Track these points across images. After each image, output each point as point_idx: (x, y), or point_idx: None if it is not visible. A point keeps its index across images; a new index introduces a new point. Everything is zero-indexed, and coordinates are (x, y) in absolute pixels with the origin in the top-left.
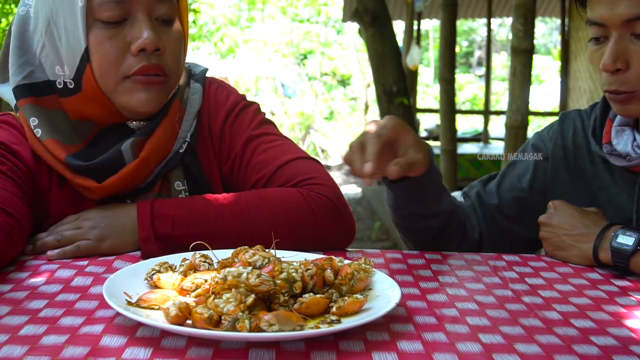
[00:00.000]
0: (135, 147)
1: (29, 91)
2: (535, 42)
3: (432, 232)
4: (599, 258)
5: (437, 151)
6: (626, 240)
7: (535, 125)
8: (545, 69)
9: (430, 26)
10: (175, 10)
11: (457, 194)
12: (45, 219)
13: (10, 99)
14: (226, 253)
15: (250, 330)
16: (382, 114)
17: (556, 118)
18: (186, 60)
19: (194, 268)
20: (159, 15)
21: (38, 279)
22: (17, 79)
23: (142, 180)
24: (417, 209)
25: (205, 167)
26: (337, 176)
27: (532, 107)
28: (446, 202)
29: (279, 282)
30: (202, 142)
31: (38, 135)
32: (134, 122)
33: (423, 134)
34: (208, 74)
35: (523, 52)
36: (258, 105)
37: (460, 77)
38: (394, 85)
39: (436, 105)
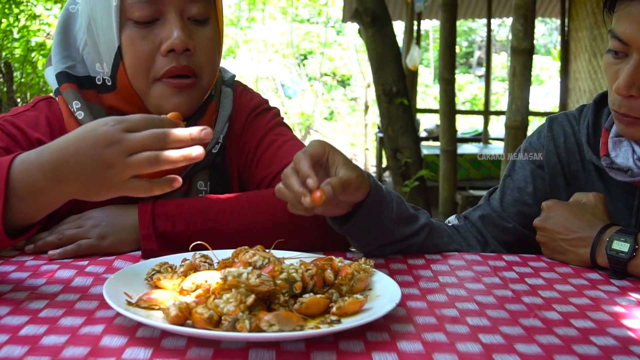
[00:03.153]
0: None
1: (70, 79)
2: (535, 42)
3: (413, 249)
4: (597, 263)
5: (437, 151)
6: (621, 246)
7: (535, 126)
8: (545, 69)
9: (430, 26)
10: (210, 10)
11: (452, 218)
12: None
13: (53, 82)
14: (226, 253)
15: (250, 331)
16: (382, 114)
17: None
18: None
19: (194, 268)
20: (191, 15)
21: (38, 280)
22: (60, 67)
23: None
24: (383, 239)
25: (229, 167)
26: None
27: (532, 107)
28: (417, 222)
29: (279, 282)
30: (230, 144)
31: (80, 118)
32: None
33: (423, 134)
34: None
35: (523, 52)
36: (278, 110)
37: (460, 77)
38: (394, 85)
39: (436, 105)
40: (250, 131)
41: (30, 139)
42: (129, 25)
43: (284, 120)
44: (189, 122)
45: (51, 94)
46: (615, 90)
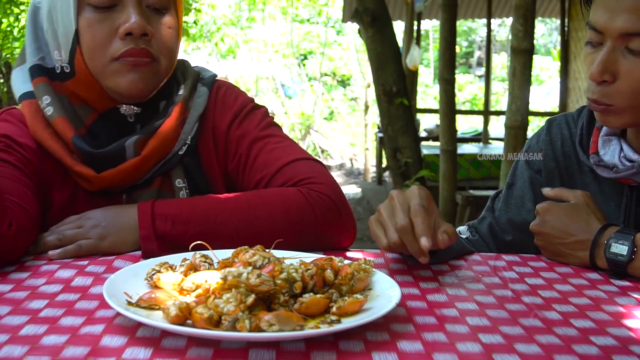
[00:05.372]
0: (138, 145)
1: (43, 71)
2: (535, 42)
3: None
4: (597, 265)
5: (437, 151)
6: (619, 249)
7: (535, 126)
8: (545, 69)
9: (430, 26)
10: (169, 1)
11: (462, 229)
12: (47, 210)
13: (17, 89)
14: (226, 253)
15: (250, 330)
16: (382, 114)
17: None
18: (194, 64)
19: (194, 268)
20: (150, 3)
21: (38, 279)
22: (33, 59)
23: (140, 177)
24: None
25: (206, 166)
26: (337, 176)
27: (532, 107)
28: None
29: (279, 282)
30: (204, 143)
31: (49, 114)
32: (124, 106)
33: (423, 134)
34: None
35: (523, 52)
36: (266, 108)
37: (460, 77)
38: (394, 85)
39: (436, 105)
40: (240, 134)
41: (19, 144)
42: (87, 10)
43: (273, 119)
44: (152, 123)
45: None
46: (589, 76)
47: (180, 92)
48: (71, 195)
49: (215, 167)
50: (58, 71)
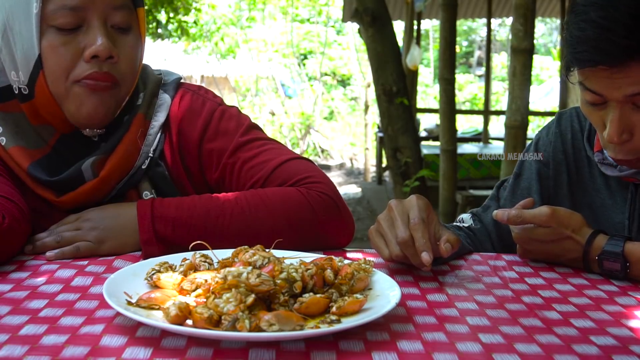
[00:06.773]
0: (96, 166)
1: None
2: (535, 42)
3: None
4: (596, 272)
5: (437, 151)
6: (612, 265)
7: (535, 126)
8: (545, 69)
9: (430, 26)
10: (132, 19)
11: (465, 217)
12: None
13: None
14: (226, 253)
15: (250, 330)
16: (382, 114)
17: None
18: (164, 67)
19: (194, 268)
20: (114, 23)
21: (38, 279)
22: None
23: (103, 197)
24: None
25: (174, 176)
26: (337, 176)
27: (532, 107)
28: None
29: (279, 282)
30: (170, 153)
31: (3, 144)
32: (87, 130)
33: (423, 134)
34: (208, 74)
35: (523, 52)
36: (237, 108)
37: (460, 77)
38: (394, 85)
39: (436, 105)
40: (218, 146)
41: None
42: (51, 32)
43: (249, 119)
44: (111, 138)
45: None
46: (608, 139)
47: (139, 102)
48: (44, 203)
49: (183, 176)
50: (16, 92)
